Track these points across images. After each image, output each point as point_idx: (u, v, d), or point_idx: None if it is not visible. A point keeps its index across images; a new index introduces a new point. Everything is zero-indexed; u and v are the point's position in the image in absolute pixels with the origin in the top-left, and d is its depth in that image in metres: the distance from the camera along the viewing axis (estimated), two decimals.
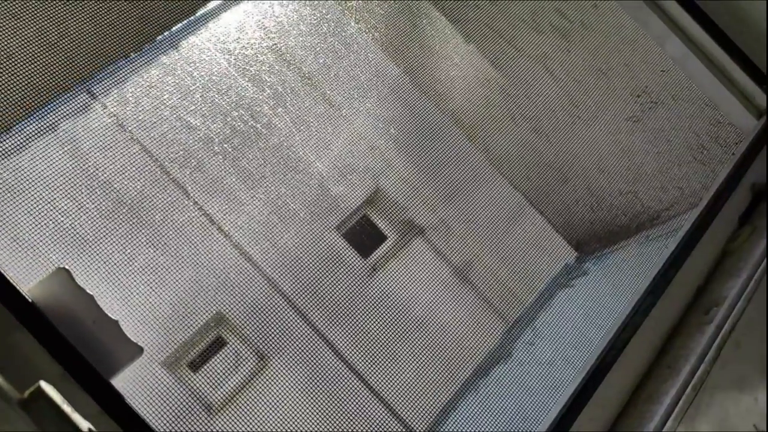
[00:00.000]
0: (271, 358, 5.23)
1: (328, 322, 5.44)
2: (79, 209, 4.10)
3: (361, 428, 4.93)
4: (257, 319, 5.26)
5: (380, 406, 5.06)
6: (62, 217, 3.96)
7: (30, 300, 1.05)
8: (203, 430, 4.84)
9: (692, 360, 1.31)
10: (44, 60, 1.21)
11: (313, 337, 5.41)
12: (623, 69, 2.25)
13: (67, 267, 1.15)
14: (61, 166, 3.95)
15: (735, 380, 1.28)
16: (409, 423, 4.77)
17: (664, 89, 2.19)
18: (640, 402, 1.35)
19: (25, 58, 1.17)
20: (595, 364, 1.44)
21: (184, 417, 4.65)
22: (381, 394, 5.09)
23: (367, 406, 5.11)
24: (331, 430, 4.97)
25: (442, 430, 3.71)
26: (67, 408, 0.87)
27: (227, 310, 5.16)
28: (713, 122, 2.10)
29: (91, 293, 1.16)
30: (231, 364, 5.19)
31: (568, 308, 2.94)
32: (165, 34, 2.09)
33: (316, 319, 5.42)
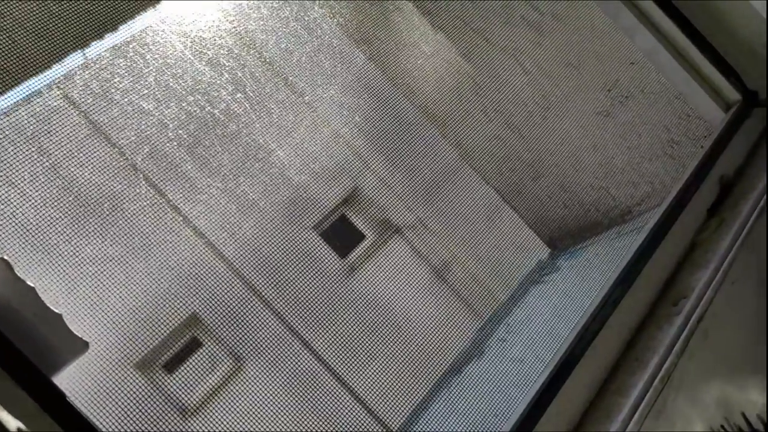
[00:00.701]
0: (247, 359, 5.16)
1: (306, 323, 5.39)
2: (21, 196, 3.96)
3: (337, 427, 4.88)
4: (233, 319, 5.19)
5: (357, 406, 5.02)
6: (2, 205, 3.83)
7: None
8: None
9: (660, 351, 1.29)
10: None
11: (290, 338, 5.35)
12: (594, 62, 2.24)
13: (6, 257, 1.09)
14: (1, 151, 3.82)
15: (703, 371, 1.26)
16: (386, 420, 4.75)
17: (634, 82, 2.19)
18: (608, 395, 1.32)
19: None
20: (563, 358, 1.42)
21: (158, 420, 4.55)
22: (358, 394, 5.05)
23: (343, 405, 5.07)
24: (307, 429, 4.91)
25: (416, 426, 3.69)
26: None
27: (201, 311, 5.07)
28: (683, 116, 2.10)
29: (33, 285, 1.09)
30: (206, 365, 5.10)
31: (540, 304, 2.94)
32: (128, 22, 2.02)
33: (293, 319, 5.37)
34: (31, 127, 3.87)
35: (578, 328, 1.45)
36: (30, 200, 4.03)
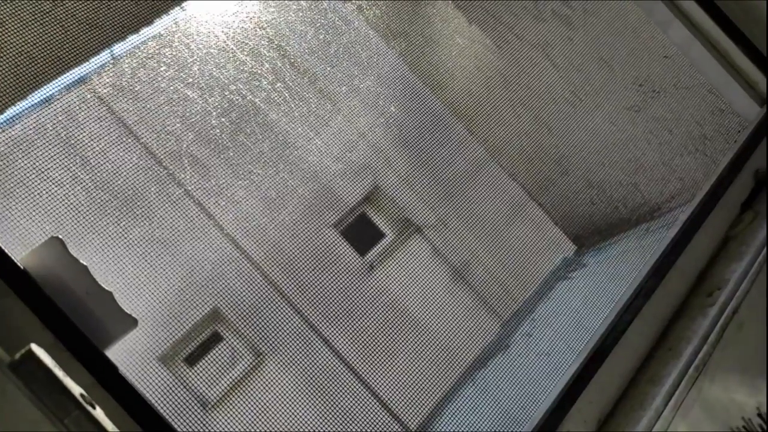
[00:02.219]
0: (267, 354, 5.21)
1: (325, 320, 5.42)
2: (73, 180, 4.07)
3: (356, 425, 4.91)
4: (254, 315, 5.24)
5: (376, 404, 5.04)
6: (56, 187, 3.93)
7: (21, 267, 1.03)
8: (199, 425, 4.81)
9: (695, 342, 1.30)
10: (38, 30, 1.19)
11: (310, 335, 5.39)
12: (626, 57, 2.23)
13: (60, 236, 1.13)
14: (54, 136, 3.92)
15: (737, 362, 1.26)
16: (405, 419, 4.76)
17: (666, 77, 2.18)
18: (641, 384, 1.33)
19: (17, 27, 1.14)
20: (595, 348, 1.42)
21: (180, 412, 4.62)
22: (377, 391, 5.07)
23: (362, 402, 5.09)
24: (326, 426, 4.95)
25: (436, 423, 3.71)
26: (58, 372, 0.85)
27: (223, 305, 5.13)
28: (716, 111, 2.08)
29: (85, 264, 1.13)
30: (227, 360, 5.17)
31: (566, 299, 2.94)
32: (162, 17, 2.06)
33: (313, 316, 5.41)
34: (82, 113, 3.97)
35: (610, 319, 1.46)
36: (81, 183, 4.14)
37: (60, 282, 1.09)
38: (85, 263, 1.14)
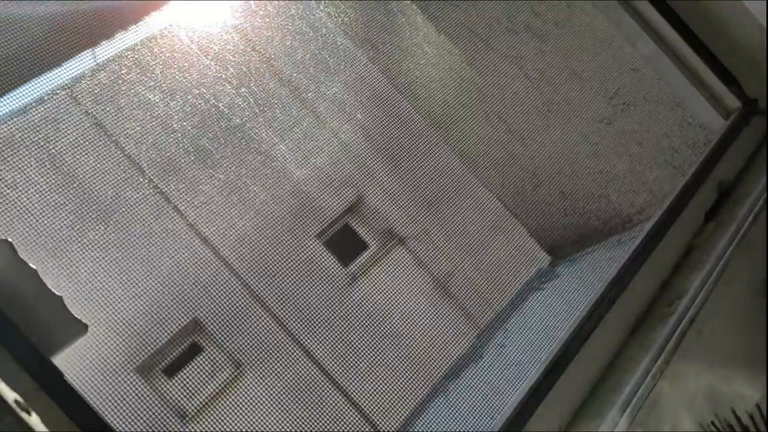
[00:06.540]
0: (247, 365, 5.16)
1: (306, 330, 5.39)
2: (26, 182, 4.02)
3: None
4: (234, 325, 5.19)
5: (356, 414, 5.01)
6: (8, 189, 3.88)
7: None
8: None
9: (653, 350, 1.30)
10: None
11: (291, 345, 5.35)
12: (596, 70, 2.27)
13: (9, 239, 1.11)
14: (8, 137, 3.86)
15: (694, 369, 1.27)
16: (382, 429, 4.73)
17: (635, 90, 2.21)
18: (602, 393, 1.33)
19: None
20: (557, 356, 1.43)
21: (158, 424, 4.54)
22: (356, 402, 5.04)
23: (342, 413, 5.05)
24: None
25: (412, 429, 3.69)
26: None
27: (203, 316, 5.07)
28: (683, 123, 2.11)
29: (35, 267, 1.11)
30: (206, 371, 5.10)
31: (538, 310, 2.95)
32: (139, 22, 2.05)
33: (294, 326, 5.37)
34: (38, 115, 3.93)
35: (573, 327, 1.46)
36: (35, 185, 4.08)
37: (7, 285, 1.06)
38: (34, 267, 1.12)
